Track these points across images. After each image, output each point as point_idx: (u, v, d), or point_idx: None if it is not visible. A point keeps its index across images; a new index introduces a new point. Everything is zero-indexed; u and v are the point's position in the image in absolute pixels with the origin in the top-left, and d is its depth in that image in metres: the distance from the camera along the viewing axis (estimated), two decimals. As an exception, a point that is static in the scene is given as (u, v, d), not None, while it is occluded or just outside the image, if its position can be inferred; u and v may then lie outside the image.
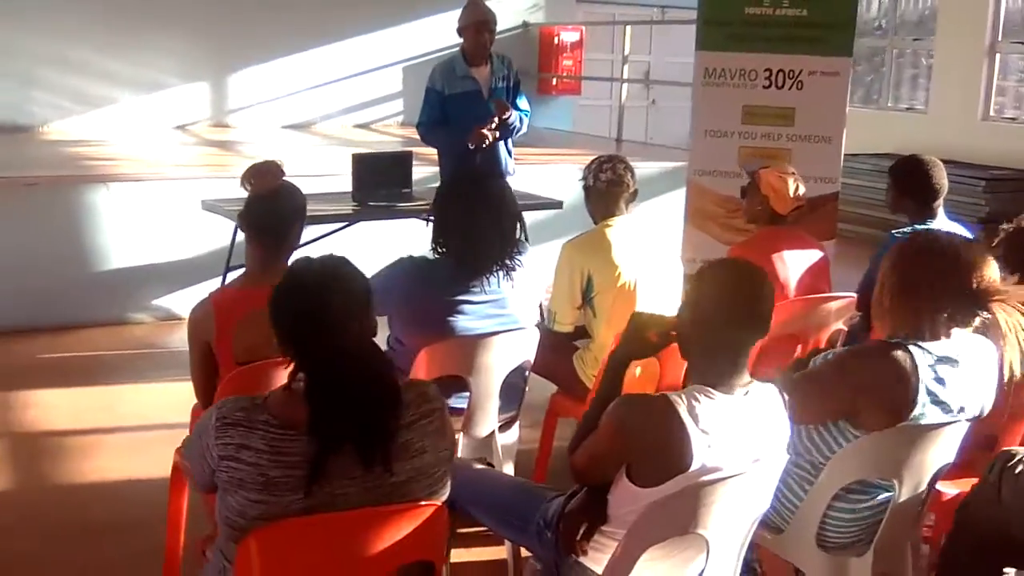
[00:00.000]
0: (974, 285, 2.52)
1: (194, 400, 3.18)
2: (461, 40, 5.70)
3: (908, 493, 2.62)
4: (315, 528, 2.00)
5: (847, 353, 2.71)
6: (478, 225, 3.26)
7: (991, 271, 2.56)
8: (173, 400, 3.73)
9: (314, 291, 2.05)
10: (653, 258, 3.86)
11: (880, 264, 2.71)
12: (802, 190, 4.05)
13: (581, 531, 2.39)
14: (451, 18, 5.73)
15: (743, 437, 2.27)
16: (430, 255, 3.34)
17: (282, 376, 2.11)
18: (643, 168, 7.74)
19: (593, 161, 3.92)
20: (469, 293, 3.28)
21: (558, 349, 3.81)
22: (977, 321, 2.57)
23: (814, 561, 2.71)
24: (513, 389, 3.44)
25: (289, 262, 2.59)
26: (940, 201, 4.19)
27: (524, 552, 2.98)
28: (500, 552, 3.36)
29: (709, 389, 2.26)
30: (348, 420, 1.99)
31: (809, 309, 3.90)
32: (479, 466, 3.04)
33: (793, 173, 4.08)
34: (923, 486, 2.66)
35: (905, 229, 3.96)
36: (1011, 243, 3.11)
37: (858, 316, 4.01)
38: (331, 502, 2.00)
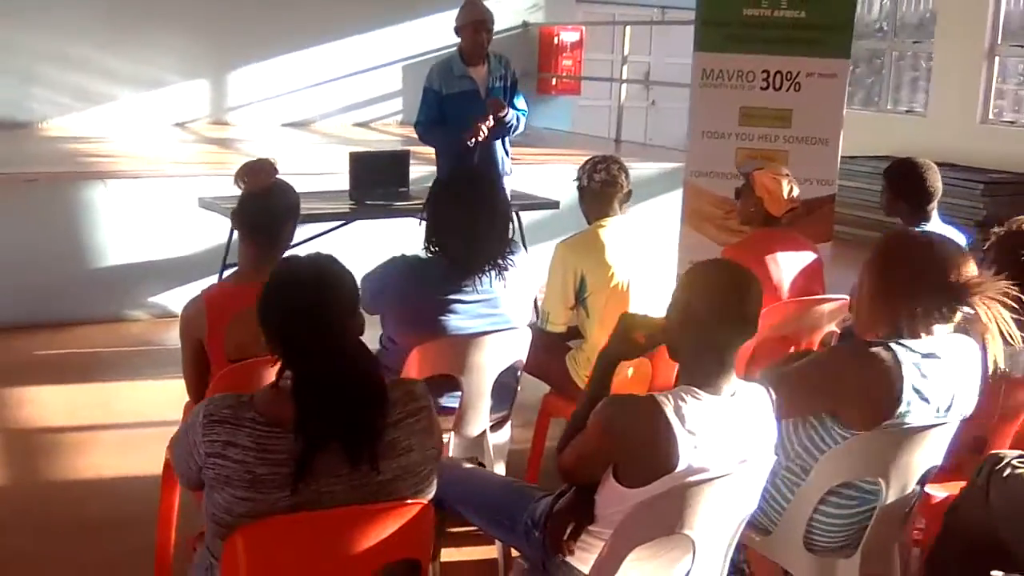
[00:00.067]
0: (952, 280, 2.53)
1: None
2: (459, 40, 5.72)
3: (895, 495, 2.63)
4: (301, 525, 2.01)
5: (830, 351, 2.73)
6: (470, 224, 3.26)
7: (968, 266, 2.57)
8: (169, 397, 3.74)
9: (301, 290, 2.06)
10: (647, 259, 3.87)
11: None
12: (796, 192, 4.06)
13: (568, 531, 2.40)
14: (451, 17, 5.74)
15: (729, 438, 2.28)
16: (423, 254, 3.35)
17: (273, 374, 2.11)
18: (641, 169, 7.80)
19: (587, 162, 3.93)
20: (461, 292, 3.29)
21: (551, 349, 3.81)
22: (958, 317, 2.57)
23: (801, 563, 2.71)
24: (505, 389, 3.45)
25: (282, 260, 2.59)
26: (934, 204, 4.20)
27: (515, 552, 2.99)
28: (491, 552, 3.36)
29: (696, 390, 2.26)
30: (334, 418, 2.00)
31: (802, 311, 3.91)
32: (468, 465, 3.04)
33: (787, 175, 4.08)
34: (910, 488, 2.67)
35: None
36: (1002, 246, 3.12)
37: (851, 318, 4.01)
38: (317, 500, 2.01)
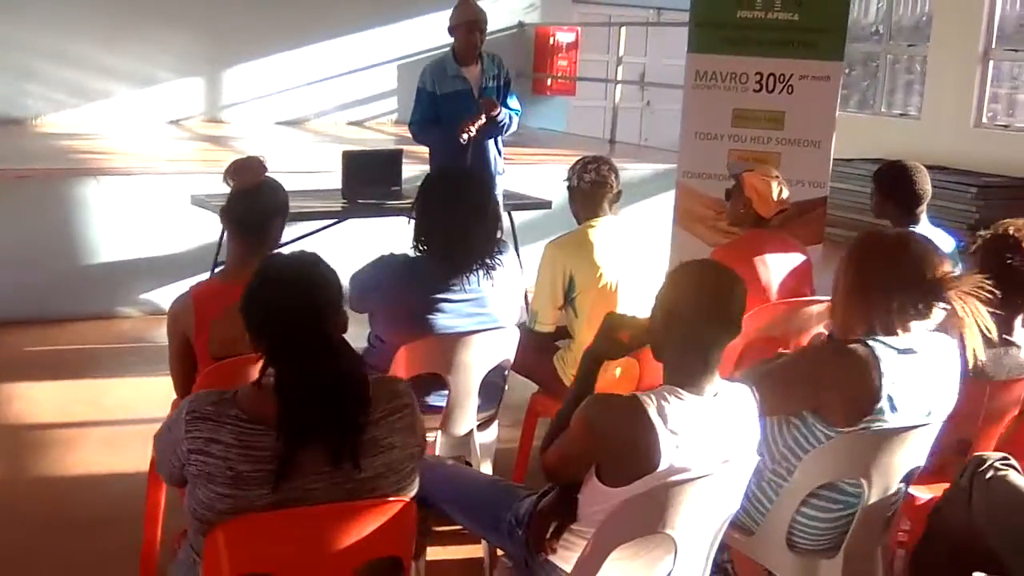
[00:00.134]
0: (927, 276, 2.55)
1: (177, 394, 3.19)
2: (452, 39, 5.72)
3: (878, 496, 2.63)
4: (283, 522, 2.02)
5: (808, 349, 2.74)
6: (458, 223, 3.27)
7: (943, 262, 2.59)
8: (159, 394, 3.73)
9: (284, 287, 2.06)
10: (639, 259, 3.88)
11: None
12: (786, 194, 4.07)
13: (551, 530, 2.41)
14: (447, 17, 5.74)
15: (712, 438, 2.28)
16: (411, 253, 3.35)
17: (258, 371, 2.12)
18: (635, 170, 7.82)
19: (577, 162, 3.93)
20: (449, 291, 3.29)
21: (539, 349, 3.82)
22: (937, 315, 2.59)
23: (784, 563, 2.72)
24: (492, 388, 3.45)
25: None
26: (923, 207, 4.21)
27: (500, 551, 3.00)
28: (477, 551, 3.37)
29: (679, 390, 2.27)
30: (316, 416, 2.00)
31: (791, 312, 3.92)
32: (452, 463, 3.05)
33: (777, 176, 4.09)
34: (892, 489, 2.67)
35: (888, 234, 3.98)
36: (988, 249, 3.13)
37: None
38: (299, 497, 2.02)
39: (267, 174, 3.22)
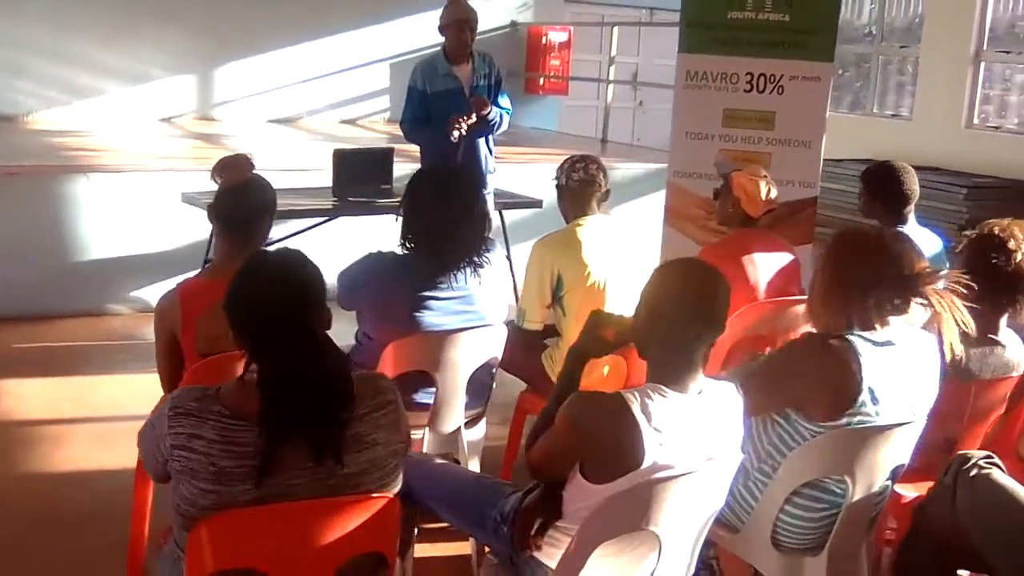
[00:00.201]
0: (904, 272, 2.57)
1: (165, 391, 3.19)
2: (443, 38, 5.72)
3: (862, 493, 2.64)
4: (266, 517, 2.02)
5: (787, 345, 2.76)
6: (446, 221, 3.27)
7: (920, 259, 2.61)
8: (148, 391, 3.72)
9: (267, 284, 2.07)
10: (630, 258, 3.89)
11: None
12: (774, 193, 4.07)
13: (536, 526, 2.41)
14: (439, 16, 5.75)
15: (696, 435, 2.29)
16: (399, 251, 3.36)
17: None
18: (627, 169, 7.83)
19: (566, 161, 3.94)
20: (436, 289, 3.30)
21: (528, 347, 3.83)
22: (916, 310, 2.60)
23: (769, 561, 2.73)
24: (480, 385, 3.46)
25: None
26: (911, 207, 4.23)
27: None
28: (464, 548, 3.38)
29: (663, 387, 2.28)
30: (299, 412, 2.01)
31: (778, 312, 3.92)
32: (439, 461, 3.05)
33: (765, 176, 4.09)
34: (876, 487, 2.68)
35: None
36: (973, 248, 3.14)
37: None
38: (282, 493, 2.02)
39: (255, 171, 3.22)
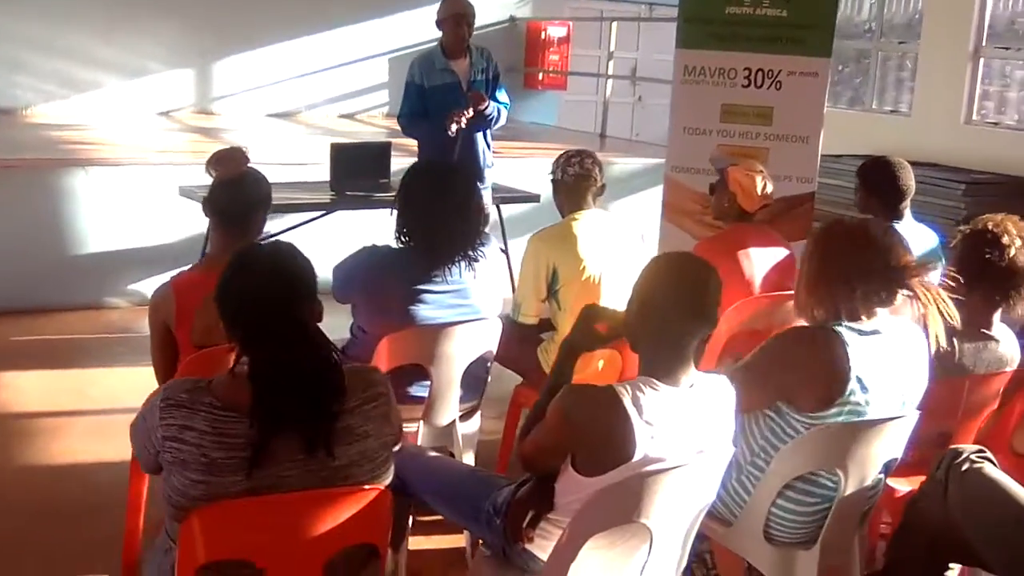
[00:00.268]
0: (890, 264, 2.58)
1: (160, 383, 3.19)
2: (441, 33, 5.73)
3: (854, 487, 2.66)
4: (257, 509, 2.03)
5: (774, 338, 2.76)
6: (442, 216, 3.28)
7: (905, 251, 2.62)
8: (145, 384, 3.73)
9: (257, 277, 2.08)
10: (627, 252, 3.89)
11: None
12: (770, 188, 4.07)
13: (528, 519, 2.42)
14: (436, 10, 5.75)
15: (687, 429, 2.30)
16: (394, 244, 3.36)
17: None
18: (625, 164, 7.83)
19: (561, 155, 3.95)
20: (431, 283, 3.30)
21: (523, 341, 3.83)
22: (901, 302, 2.62)
23: (761, 554, 2.74)
24: (475, 379, 3.47)
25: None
26: (907, 202, 4.23)
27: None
28: (459, 540, 3.39)
29: (654, 381, 2.28)
30: (290, 404, 2.01)
31: (774, 306, 3.92)
32: (434, 454, 3.06)
33: (761, 171, 4.10)
34: (868, 480, 2.69)
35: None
36: (967, 244, 3.15)
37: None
38: (272, 484, 2.03)
39: (250, 165, 3.22)
